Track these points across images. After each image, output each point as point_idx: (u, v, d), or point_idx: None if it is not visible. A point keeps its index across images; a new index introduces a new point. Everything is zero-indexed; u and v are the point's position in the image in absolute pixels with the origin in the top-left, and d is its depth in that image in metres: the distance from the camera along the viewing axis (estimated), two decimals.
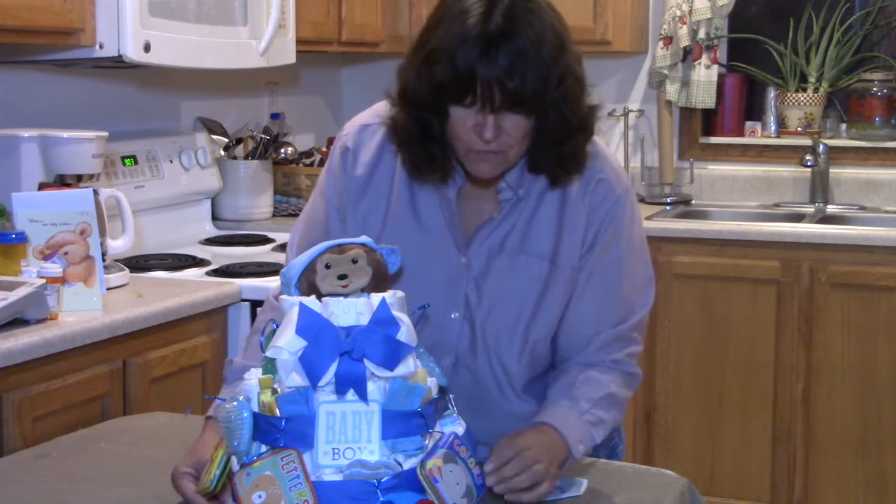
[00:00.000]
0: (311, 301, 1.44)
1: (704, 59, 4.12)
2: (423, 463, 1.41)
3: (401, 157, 1.74)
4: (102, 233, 2.52)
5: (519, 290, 1.74)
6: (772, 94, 4.23)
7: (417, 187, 1.76)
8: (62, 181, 2.56)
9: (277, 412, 1.40)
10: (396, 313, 1.45)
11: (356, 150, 1.80)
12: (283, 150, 3.78)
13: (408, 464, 1.41)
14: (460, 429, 1.50)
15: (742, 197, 4.22)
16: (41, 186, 2.52)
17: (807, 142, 4.06)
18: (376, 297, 1.45)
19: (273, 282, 2.61)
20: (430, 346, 1.66)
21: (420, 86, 1.63)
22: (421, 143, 1.68)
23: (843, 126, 4.16)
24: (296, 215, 3.59)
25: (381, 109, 1.78)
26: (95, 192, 2.47)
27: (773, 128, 4.24)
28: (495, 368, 1.77)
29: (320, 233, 1.78)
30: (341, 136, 1.83)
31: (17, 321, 2.15)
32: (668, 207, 4.09)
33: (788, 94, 4.15)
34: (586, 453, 1.70)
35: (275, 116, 3.89)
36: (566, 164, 1.70)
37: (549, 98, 1.60)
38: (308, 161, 3.90)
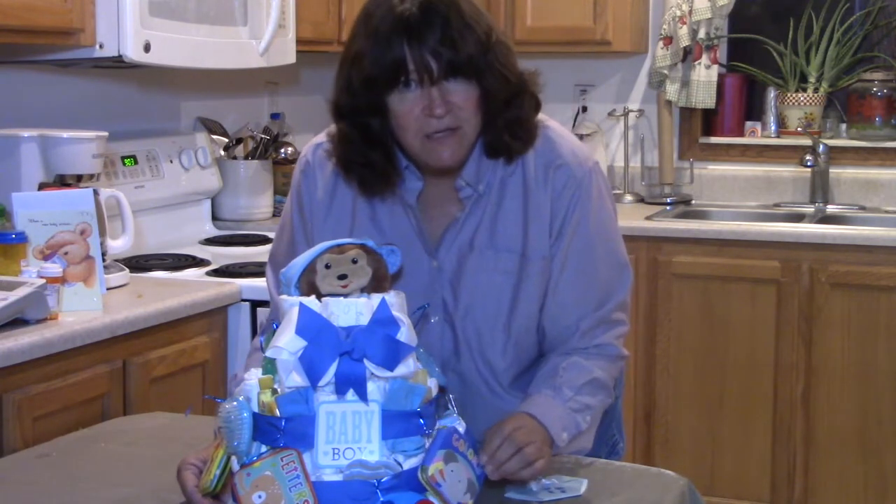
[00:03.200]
0: (311, 301, 1.44)
1: (704, 59, 4.12)
2: (424, 467, 1.41)
3: (344, 175, 1.74)
4: (102, 233, 2.52)
5: (493, 286, 1.74)
6: (772, 94, 4.23)
7: (378, 201, 1.76)
8: (62, 181, 2.56)
9: (277, 412, 1.40)
10: (396, 313, 1.45)
11: (314, 171, 1.81)
12: (283, 150, 3.78)
13: (408, 464, 1.41)
14: (460, 428, 1.50)
15: (742, 197, 4.22)
16: (41, 186, 2.52)
17: (807, 142, 4.06)
18: (376, 297, 1.45)
19: None
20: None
21: (351, 89, 1.65)
22: (360, 152, 1.69)
23: (843, 126, 4.17)
24: None
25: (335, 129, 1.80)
26: (95, 192, 2.47)
27: (773, 128, 4.24)
28: (481, 367, 1.77)
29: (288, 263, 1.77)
30: (300, 159, 1.85)
31: (17, 321, 2.15)
32: (668, 207, 4.09)
33: (788, 94, 4.15)
34: (572, 441, 1.69)
35: (275, 116, 3.89)
36: (516, 131, 1.71)
37: (484, 59, 1.62)
38: None
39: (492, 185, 1.74)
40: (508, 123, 1.69)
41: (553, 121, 1.81)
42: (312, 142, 1.85)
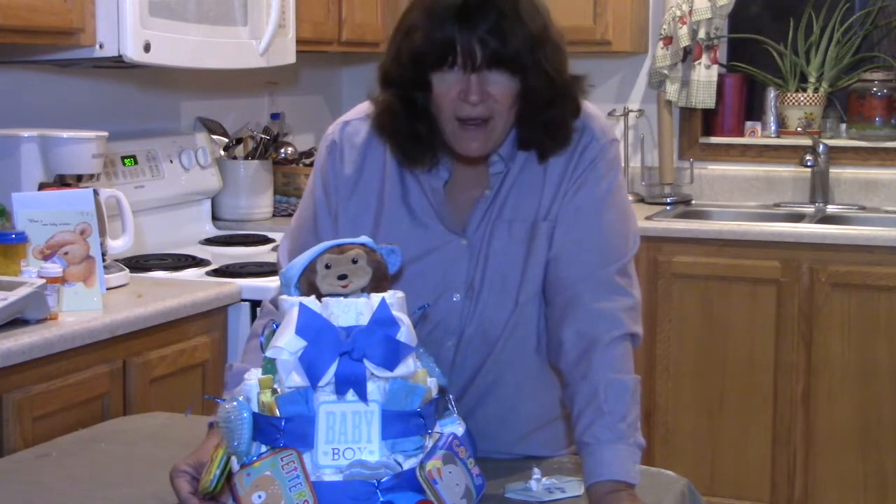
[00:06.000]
0: (310, 301, 1.44)
1: (704, 59, 4.12)
2: (422, 464, 1.41)
3: (388, 145, 1.74)
4: (102, 233, 2.52)
5: (510, 257, 1.74)
6: (772, 94, 4.23)
7: (409, 181, 1.76)
8: (62, 181, 2.56)
9: (277, 412, 1.40)
10: (396, 313, 1.45)
11: (342, 147, 1.80)
12: (283, 150, 3.79)
13: (407, 464, 1.41)
14: (460, 429, 1.50)
15: (742, 197, 4.22)
16: (41, 186, 2.52)
17: (807, 142, 4.06)
18: (376, 297, 1.45)
19: (273, 282, 2.61)
20: (432, 328, 1.69)
21: (400, 61, 1.65)
22: (406, 124, 1.69)
23: (843, 126, 4.17)
24: None
25: (364, 107, 1.80)
26: (95, 192, 2.47)
27: (773, 128, 4.24)
28: (486, 335, 1.76)
29: (310, 237, 1.76)
30: (326, 136, 1.83)
31: (17, 321, 2.15)
32: (668, 207, 4.09)
33: (788, 94, 4.16)
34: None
35: (275, 116, 3.89)
36: (553, 133, 1.70)
37: (531, 57, 1.62)
38: (308, 161, 3.90)
39: (517, 163, 1.75)
40: (545, 124, 1.69)
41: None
42: (339, 120, 1.84)
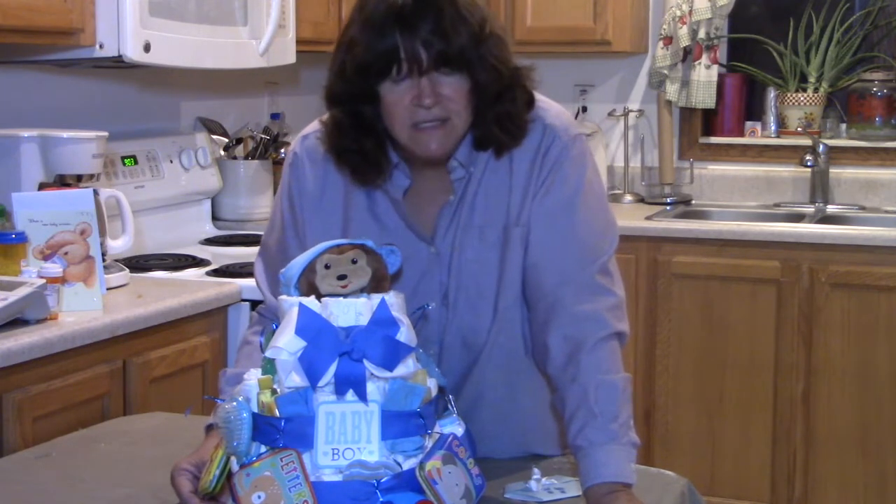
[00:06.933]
0: (310, 301, 1.44)
1: (704, 59, 4.13)
2: (422, 464, 1.41)
3: (336, 163, 1.73)
4: (102, 233, 2.52)
5: (483, 263, 1.73)
6: (772, 94, 4.23)
7: (374, 191, 1.75)
8: (62, 181, 2.56)
9: (277, 412, 1.40)
10: (396, 314, 1.45)
11: (303, 161, 1.79)
12: (283, 150, 3.78)
13: (407, 464, 1.41)
14: (459, 429, 1.50)
15: (742, 197, 4.22)
16: (41, 186, 2.52)
17: (807, 142, 4.06)
18: (376, 298, 1.45)
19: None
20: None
21: (344, 75, 1.64)
22: (354, 139, 1.68)
23: (843, 126, 4.17)
24: None
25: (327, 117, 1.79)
26: (95, 192, 2.47)
27: (773, 128, 4.24)
28: (467, 342, 1.76)
29: (279, 258, 1.74)
30: (288, 153, 1.83)
31: (17, 321, 2.15)
32: (668, 207, 4.09)
33: (788, 94, 4.16)
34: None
35: (275, 116, 3.89)
36: (507, 127, 1.69)
37: (476, 52, 1.61)
38: None
39: (479, 166, 1.74)
40: (499, 117, 1.68)
41: (542, 96, 1.78)
42: (300, 134, 1.84)
